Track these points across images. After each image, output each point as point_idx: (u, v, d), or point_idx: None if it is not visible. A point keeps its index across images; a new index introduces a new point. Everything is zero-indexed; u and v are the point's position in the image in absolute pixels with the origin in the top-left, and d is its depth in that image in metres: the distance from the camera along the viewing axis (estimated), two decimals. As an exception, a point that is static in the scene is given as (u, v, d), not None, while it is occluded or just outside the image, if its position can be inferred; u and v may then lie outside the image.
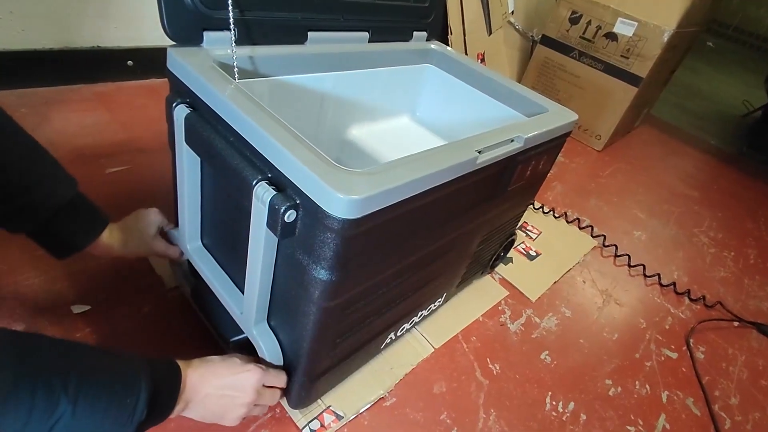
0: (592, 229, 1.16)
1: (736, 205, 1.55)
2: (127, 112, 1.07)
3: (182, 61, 0.48)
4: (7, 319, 0.59)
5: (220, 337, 0.58)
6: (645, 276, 1.07)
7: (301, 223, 0.41)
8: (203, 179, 0.55)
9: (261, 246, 0.44)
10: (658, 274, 1.07)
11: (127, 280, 0.68)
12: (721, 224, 1.39)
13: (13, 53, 1.00)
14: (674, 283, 1.06)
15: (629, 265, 1.09)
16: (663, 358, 0.87)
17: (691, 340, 0.93)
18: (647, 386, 0.81)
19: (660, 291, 1.05)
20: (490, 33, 1.56)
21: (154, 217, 0.62)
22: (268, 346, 0.52)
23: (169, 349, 0.61)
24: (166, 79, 0.52)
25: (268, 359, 0.52)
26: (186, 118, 0.48)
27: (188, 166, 0.52)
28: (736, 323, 1.02)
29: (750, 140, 2.24)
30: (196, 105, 0.48)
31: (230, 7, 0.49)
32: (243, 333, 0.56)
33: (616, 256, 1.11)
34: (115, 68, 1.16)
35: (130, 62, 1.18)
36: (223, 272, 0.57)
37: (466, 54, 1.46)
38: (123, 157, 0.93)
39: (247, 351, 0.54)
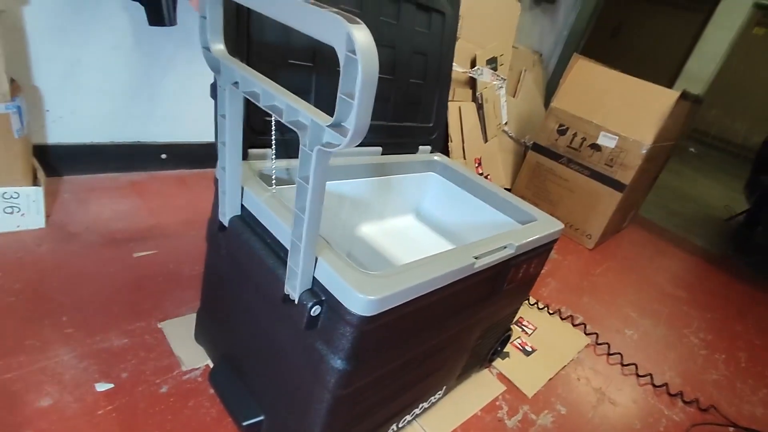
0: (585, 327, 1.21)
1: (724, 307, 1.60)
2: (157, 199, 1.18)
3: (231, 174, 0.58)
4: (34, 394, 0.63)
5: (234, 420, 0.62)
6: (637, 375, 1.10)
7: (323, 317, 0.48)
8: (232, 278, 0.62)
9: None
10: (650, 374, 1.10)
11: (148, 360, 0.72)
12: (710, 326, 1.44)
13: (68, 147, 1.14)
14: (666, 384, 1.08)
15: (622, 364, 1.12)
16: (659, 462, 0.88)
17: (687, 445, 0.94)
18: (645, 491, 0.81)
19: (653, 391, 1.07)
20: (486, 140, 1.74)
21: None
22: None
23: (185, 428, 0.64)
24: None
25: None
26: (230, 221, 0.57)
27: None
28: (731, 429, 1.03)
29: (735, 244, 2.35)
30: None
31: (273, 133, 0.61)
32: (256, 417, 0.60)
33: (609, 354, 1.15)
34: (150, 160, 1.30)
35: (164, 155, 1.31)
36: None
37: (464, 158, 1.62)
38: (150, 242, 1.01)
39: None
